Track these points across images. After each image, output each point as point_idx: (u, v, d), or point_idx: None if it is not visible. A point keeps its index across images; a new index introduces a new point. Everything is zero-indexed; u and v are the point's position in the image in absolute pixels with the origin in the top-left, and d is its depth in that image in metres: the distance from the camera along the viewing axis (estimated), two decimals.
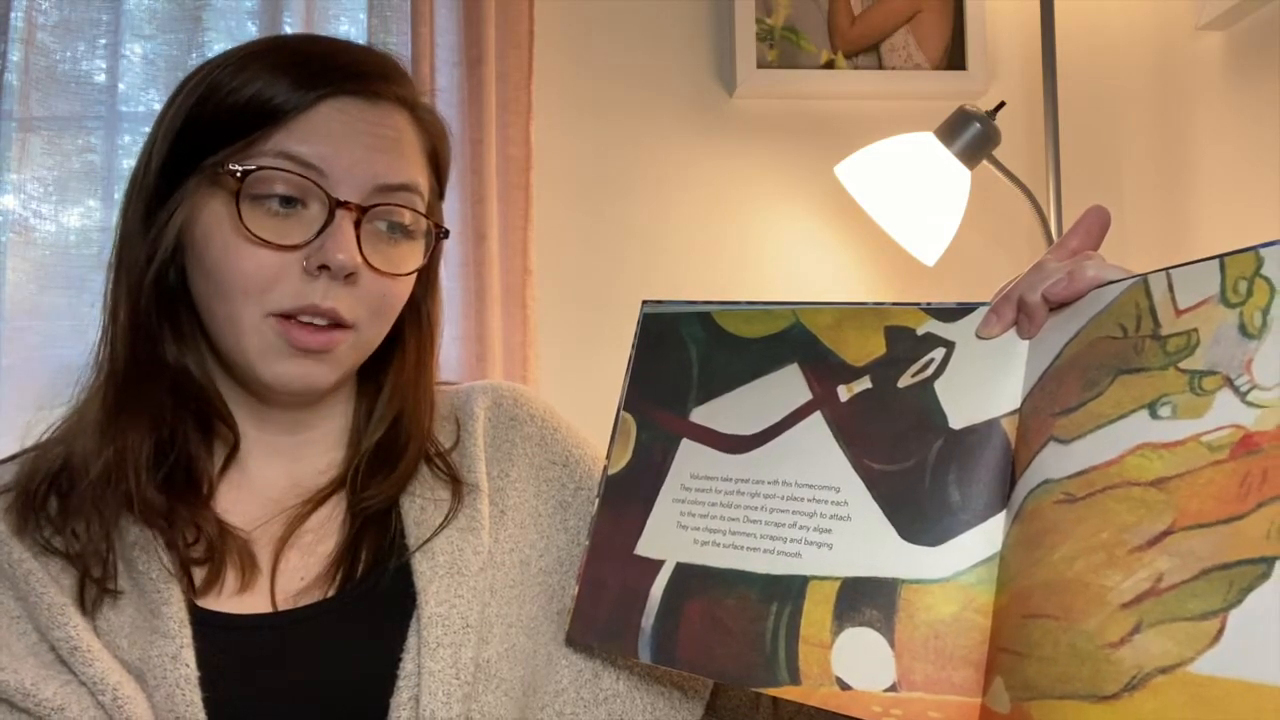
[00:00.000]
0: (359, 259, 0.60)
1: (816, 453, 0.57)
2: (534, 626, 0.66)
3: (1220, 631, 0.39)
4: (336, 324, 0.61)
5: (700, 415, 0.62)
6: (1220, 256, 0.45)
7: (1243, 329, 0.43)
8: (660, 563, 0.59)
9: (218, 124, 0.61)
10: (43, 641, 0.56)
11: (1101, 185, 1.72)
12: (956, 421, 0.54)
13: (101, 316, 0.65)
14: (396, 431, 0.68)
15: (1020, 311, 0.54)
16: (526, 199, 1.57)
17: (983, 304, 0.56)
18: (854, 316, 0.59)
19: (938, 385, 0.55)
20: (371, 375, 0.69)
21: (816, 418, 0.58)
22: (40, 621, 0.57)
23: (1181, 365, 0.44)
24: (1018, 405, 0.52)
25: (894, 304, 0.59)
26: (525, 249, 1.56)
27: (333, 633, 0.62)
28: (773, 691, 0.53)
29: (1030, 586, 0.47)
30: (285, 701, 0.60)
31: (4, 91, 1.49)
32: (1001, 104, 1.52)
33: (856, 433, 0.56)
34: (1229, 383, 0.42)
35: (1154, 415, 0.45)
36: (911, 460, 0.54)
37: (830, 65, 1.67)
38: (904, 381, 0.56)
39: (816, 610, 0.53)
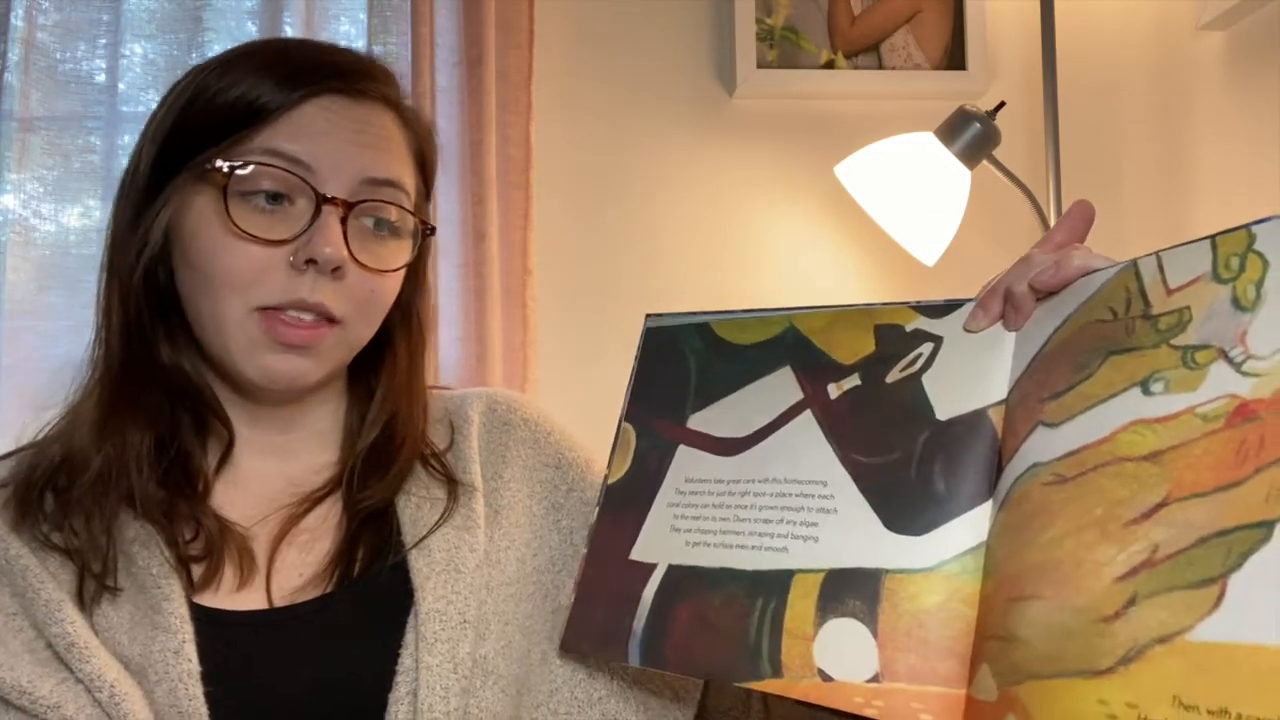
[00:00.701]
0: (345, 253, 0.60)
1: (805, 449, 0.58)
2: (529, 625, 0.66)
3: (1220, 597, 0.39)
4: (323, 319, 0.61)
5: (697, 421, 0.63)
6: (1211, 236, 0.45)
7: (1236, 302, 0.43)
8: (652, 566, 0.60)
9: (205, 124, 0.61)
10: (40, 638, 0.56)
11: (1101, 185, 1.72)
12: (943, 413, 0.54)
13: (96, 316, 0.65)
14: (391, 433, 0.68)
15: (1008, 303, 0.54)
16: (526, 199, 1.57)
17: (969, 299, 0.57)
18: (845, 318, 0.60)
19: (925, 379, 0.56)
20: (363, 377, 0.70)
21: (806, 416, 0.59)
22: (37, 618, 0.57)
23: (1174, 342, 0.45)
24: (1004, 396, 0.53)
25: (884, 304, 0.60)
26: (525, 249, 1.56)
27: (332, 628, 0.62)
28: (755, 685, 0.53)
29: (1018, 571, 0.47)
30: (285, 696, 0.60)
31: (4, 91, 1.49)
32: (1001, 104, 1.52)
33: (845, 428, 0.57)
34: (1223, 355, 0.43)
35: (1146, 392, 0.45)
36: (897, 452, 0.55)
37: (830, 65, 1.67)
38: (892, 377, 0.57)
39: (800, 603, 0.53)
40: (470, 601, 0.63)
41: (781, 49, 1.66)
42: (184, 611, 0.58)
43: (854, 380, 0.59)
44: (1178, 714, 0.38)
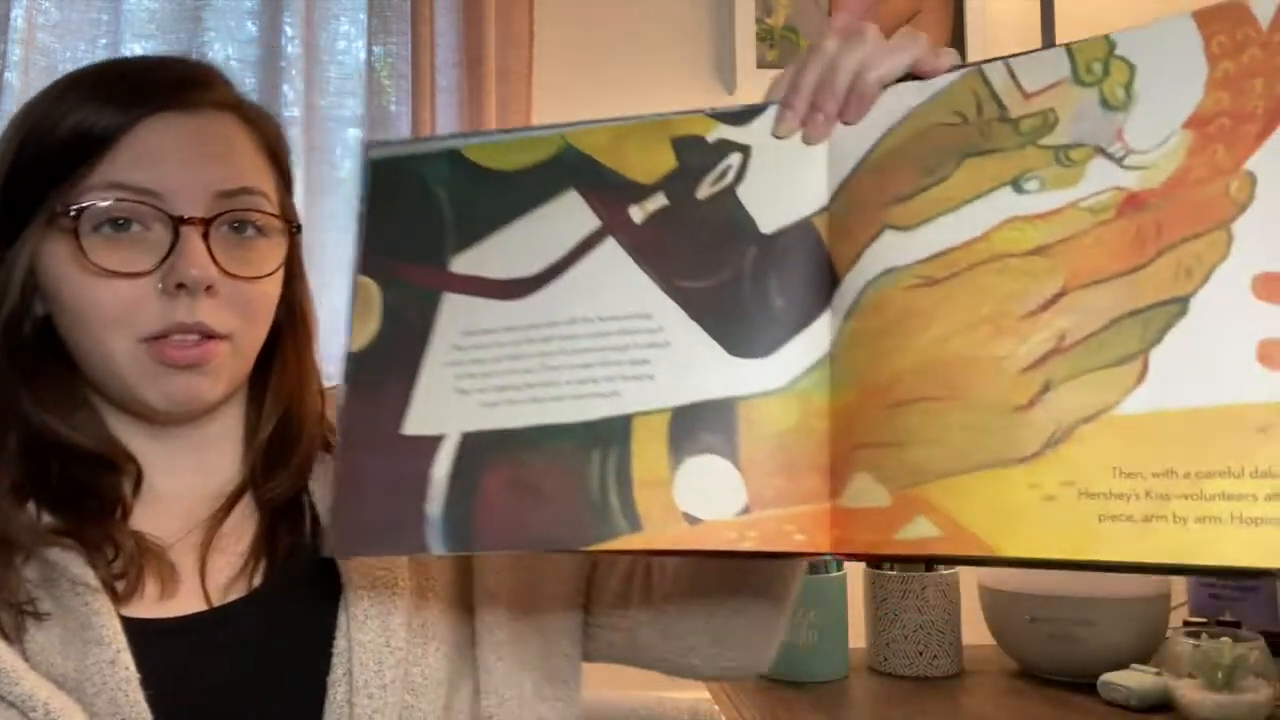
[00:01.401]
0: (214, 270, 0.60)
1: (617, 282, 0.53)
2: (464, 582, 0.67)
3: (1144, 371, 0.41)
4: (209, 336, 0.61)
5: (463, 264, 0.55)
6: (1066, 45, 0.46)
7: (1105, 104, 0.45)
8: (438, 438, 0.53)
9: (45, 161, 0.60)
10: None
11: None
12: (767, 226, 0.52)
13: None
14: (288, 424, 0.69)
15: (850, 95, 0.52)
16: None
17: (771, 103, 0.54)
18: (633, 132, 0.55)
19: (740, 191, 0.53)
20: (258, 377, 0.70)
21: (610, 245, 0.53)
22: None
23: (1042, 142, 0.45)
24: (825, 203, 0.51)
25: (676, 113, 0.55)
26: None
27: (265, 620, 0.63)
28: (612, 545, 0.50)
29: (892, 375, 0.46)
30: (227, 691, 0.60)
31: (4, 91, 1.50)
32: None
33: (660, 253, 0.53)
34: (1101, 152, 0.44)
35: (1019, 190, 0.45)
36: (727, 272, 0.52)
37: None
38: (703, 192, 0.53)
39: (648, 448, 0.50)
40: (400, 571, 0.63)
41: (781, 49, 1.67)
42: (115, 624, 0.58)
43: (659, 200, 0.53)
44: (1120, 482, 0.40)
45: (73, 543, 0.60)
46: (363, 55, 1.67)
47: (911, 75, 0.51)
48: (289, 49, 1.61)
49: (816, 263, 0.50)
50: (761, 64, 1.65)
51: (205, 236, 0.60)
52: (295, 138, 1.54)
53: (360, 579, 0.62)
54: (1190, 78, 0.43)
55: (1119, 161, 0.44)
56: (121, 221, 0.60)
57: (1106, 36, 0.45)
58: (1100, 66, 0.45)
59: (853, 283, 0.49)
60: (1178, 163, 0.42)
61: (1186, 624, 0.90)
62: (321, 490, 0.68)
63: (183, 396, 0.62)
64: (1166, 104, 0.43)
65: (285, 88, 1.59)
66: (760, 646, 0.69)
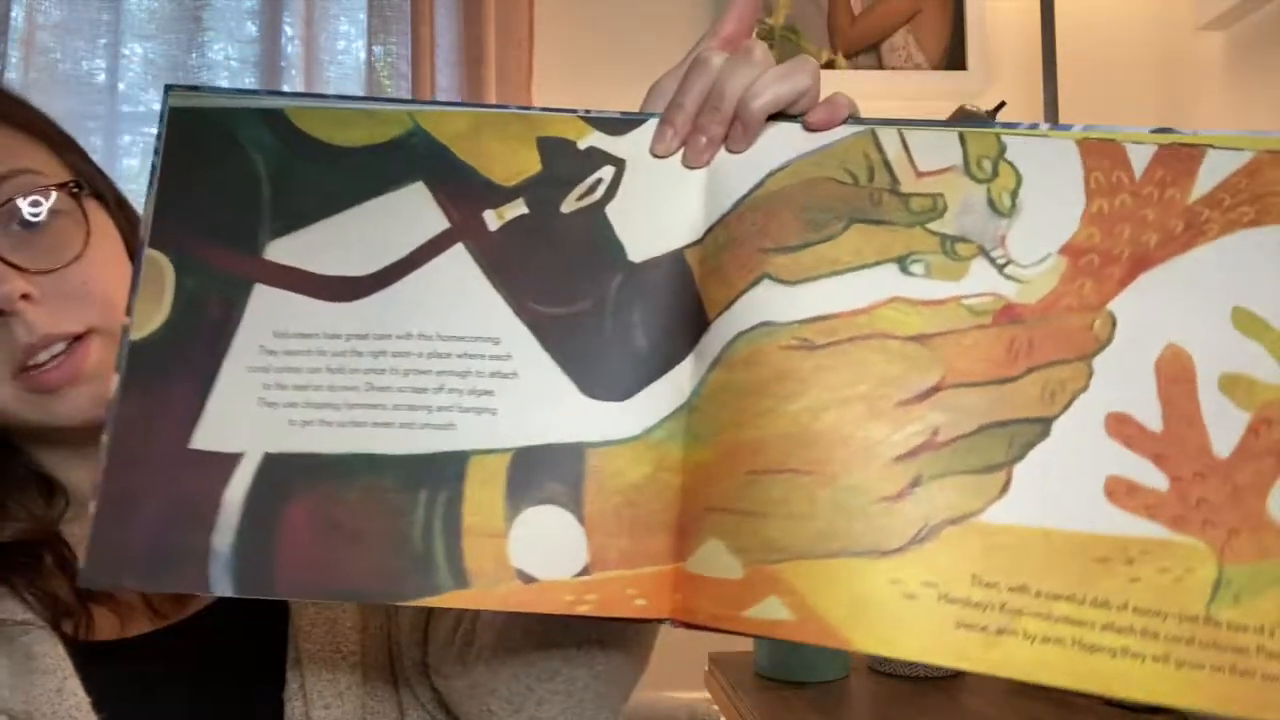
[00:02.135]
0: (19, 283, 0.54)
1: (463, 296, 0.47)
2: None
3: (1007, 484, 0.41)
4: (74, 339, 0.56)
5: (281, 251, 0.47)
6: (959, 130, 0.45)
7: (992, 205, 0.44)
8: (236, 456, 0.45)
9: None
10: None
11: None
12: (636, 254, 0.47)
13: None
14: None
15: (737, 122, 0.47)
16: None
17: (651, 114, 0.49)
18: (495, 124, 0.48)
19: (610, 210, 0.47)
20: None
21: (458, 251, 0.47)
22: None
23: (930, 227, 0.44)
24: (700, 236, 0.47)
25: (545, 110, 0.49)
26: None
27: (218, 635, 0.61)
28: (435, 601, 0.44)
29: (758, 439, 0.44)
30: (184, 710, 0.59)
31: None
32: (1002, 104, 1.52)
33: (514, 269, 0.47)
34: (985, 253, 0.44)
35: (905, 271, 0.44)
36: (588, 300, 0.47)
37: (830, 65, 1.67)
38: (568, 206, 0.48)
39: (483, 492, 0.44)
40: None
41: (781, 49, 1.66)
42: (59, 652, 0.56)
43: (519, 207, 0.48)
44: (980, 591, 0.40)
45: (12, 576, 0.58)
46: (363, 55, 1.67)
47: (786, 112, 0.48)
48: (289, 49, 1.61)
49: (685, 301, 0.46)
50: None
51: None
52: None
53: None
54: (1069, 204, 0.43)
55: (1000, 268, 0.43)
56: None
57: (998, 135, 0.45)
58: (990, 165, 0.44)
59: (723, 329, 0.45)
60: (1051, 285, 0.43)
61: None
62: None
63: (82, 406, 0.57)
64: (1046, 224, 0.43)
65: (285, 88, 1.59)
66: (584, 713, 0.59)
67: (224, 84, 1.63)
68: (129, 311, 0.47)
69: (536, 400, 0.45)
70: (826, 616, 0.41)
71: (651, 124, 0.48)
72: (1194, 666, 0.38)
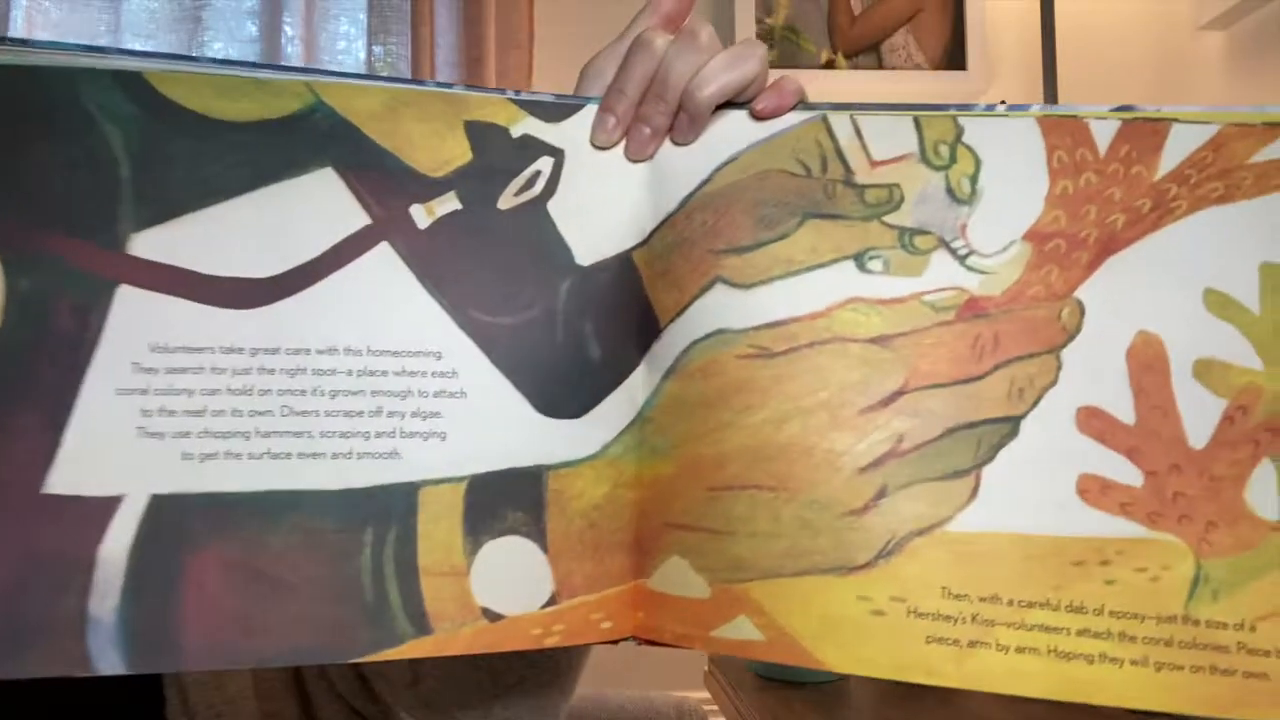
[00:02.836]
0: None
1: (394, 303, 0.41)
2: None
3: (976, 489, 0.39)
4: None
5: (151, 246, 0.39)
6: (914, 113, 0.43)
7: (951, 193, 0.42)
8: (112, 501, 0.37)
9: None
10: None
11: None
12: (584, 256, 0.43)
13: None
14: None
15: (682, 112, 0.43)
16: None
17: (590, 99, 0.44)
18: (414, 103, 0.42)
19: (552, 207, 0.43)
20: None
21: (384, 252, 0.41)
22: None
23: (887, 220, 0.42)
24: (647, 235, 0.44)
25: (469, 88, 0.44)
26: None
27: None
28: (394, 654, 0.39)
29: (719, 454, 0.42)
30: None
31: None
32: (1002, 103, 1.53)
33: (451, 273, 0.42)
34: (945, 245, 0.41)
35: (862, 268, 0.42)
36: (536, 308, 0.42)
37: (830, 65, 1.67)
38: (506, 201, 0.43)
39: (438, 527, 0.40)
40: None
41: (781, 49, 1.66)
42: None
43: (451, 202, 0.42)
44: (950, 604, 0.39)
45: None
46: (363, 55, 1.67)
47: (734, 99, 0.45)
48: (289, 49, 1.61)
49: (636, 307, 0.43)
50: None
51: None
52: None
53: None
54: (1032, 187, 0.41)
55: (962, 260, 0.41)
56: None
57: (954, 117, 0.42)
58: (948, 150, 0.42)
59: (676, 337, 0.43)
60: (1016, 275, 0.41)
61: None
62: None
63: None
64: (1009, 209, 0.41)
65: None
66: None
67: None
68: None
69: (489, 421, 0.41)
70: (796, 636, 0.40)
71: (590, 110, 0.44)
72: (1173, 668, 0.37)
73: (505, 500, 0.41)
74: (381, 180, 0.42)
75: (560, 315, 0.43)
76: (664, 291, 0.43)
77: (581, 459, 0.42)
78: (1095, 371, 0.40)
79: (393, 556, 0.40)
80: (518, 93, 0.44)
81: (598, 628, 0.42)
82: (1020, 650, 0.38)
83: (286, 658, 0.39)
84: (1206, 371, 0.39)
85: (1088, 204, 0.41)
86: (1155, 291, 0.40)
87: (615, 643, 0.44)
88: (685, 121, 0.43)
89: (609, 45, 0.46)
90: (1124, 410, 0.39)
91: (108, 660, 0.36)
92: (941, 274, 0.41)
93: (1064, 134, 0.41)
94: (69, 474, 0.37)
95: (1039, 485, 0.39)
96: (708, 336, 0.43)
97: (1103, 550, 0.38)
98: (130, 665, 0.37)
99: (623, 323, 0.43)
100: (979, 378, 0.40)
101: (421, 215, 0.42)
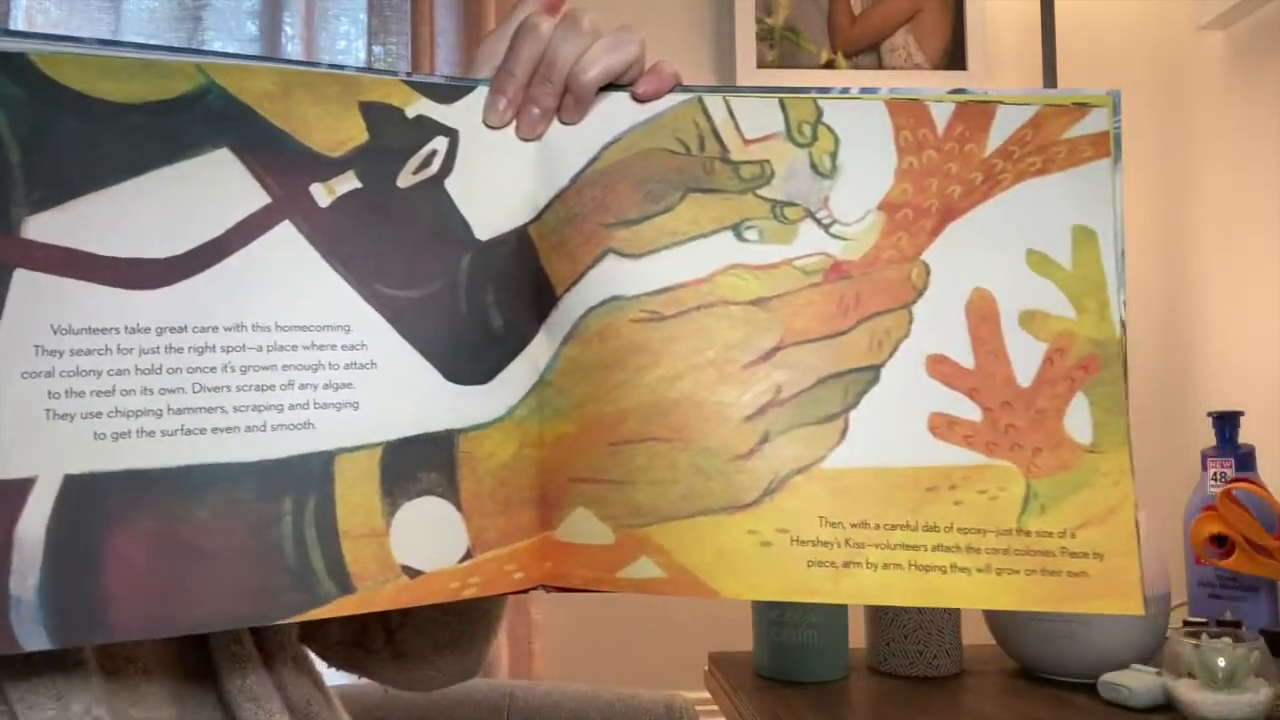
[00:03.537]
0: None
1: (300, 281, 0.42)
2: None
3: (844, 431, 0.45)
4: None
5: (45, 229, 0.39)
6: (779, 96, 0.47)
7: (814, 168, 0.46)
8: (24, 483, 0.38)
9: None
10: None
11: None
12: (483, 231, 0.46)
13: None
14: None
15: (569, 93, 0.46)
16: None
17: (480, 80, 0.46)
18: (308, 84, 0.43)
19: (449, 185, 0.45)
20: None
21: (286, 230, 0.42)
22: None
23: (760, 193, 0.47)
24: (540, 210, 0.46)
25: (362, 70, 0.45)
26: None
27: None
28: (320, 613, 0.41)
29: (618, 411, 0.46)
30: None
31: None
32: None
33: (354, 250, 0.43)
34: (811, 215, 0.46)
35: (740, 238, 0.46)
36: (439, 282, 0.44)
37: (830, 65, 1.67)
38: (405, 180, 0.44)
39: (356, 492, 0.42)
40: None
41: (782, 49, 1.67)
42: None
43: (350, 180, 0.43)
44: (826, 531, 0.44)
45: None
46: (363, 55, 1.67)
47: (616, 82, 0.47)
48: (289, 49, 1.61)
49: (533, 278, 0.46)
50: (761, 64, 1.65)
51: None
52: None
53: None
54: (883, 162, 0.46)
55: (826, 228, 0.46)
56: None
57: (814, 100, 0.47)
58: (810, 129, 0.47)
59: (572, 305, 0.46)
60: (873, 241, 0.46)
61: (1186, 624, 0.89)
62: None
63: None
64: (864, 183, 0.46)
65: None
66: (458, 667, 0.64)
67: None
68: None
69: (401, 390, 0.43)
70: (694, 570, 0.44)
71: (481, 92, 0.46)
72: (1011, 572, 0.44)
73: (419, 464, 0.44)
74: (280, 160, 0.42)
75: (463, 288, 0.45)
76: (559, 263, 0.47)
77: (489, 422, 0.45)
78: (940, 323, 0.45)
79: (314, 522, 0.41)
80: (409, 74, 0.46)
81: (510, 578, 0.45)
82: (886, 566, 0.44)
83: (214, 623, 0.40)
84: (1030, 320, 0.45)
85: (930, 177, 0.46)
86: (987, 253, 0.46)
87: (525, 591, 0.47)
88: (571, 103, 0.46)
89: (496, 29, 0.48)
90: (964, 356, 0.45)
91: (34, 638, 0.37)
92: (809, 241, 0.46)
93: (908, 115, 0.46)
94: None
95: (897, 424, 0.45)
96: (602, 304, 0.46)
97: (950, 476, 0.44)
98: (57, 640, 0.37)
99: (521, 293, 0.46)
100: (844, 332, 0.46)
101: (322, 194, 0.43)
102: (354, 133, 0.44)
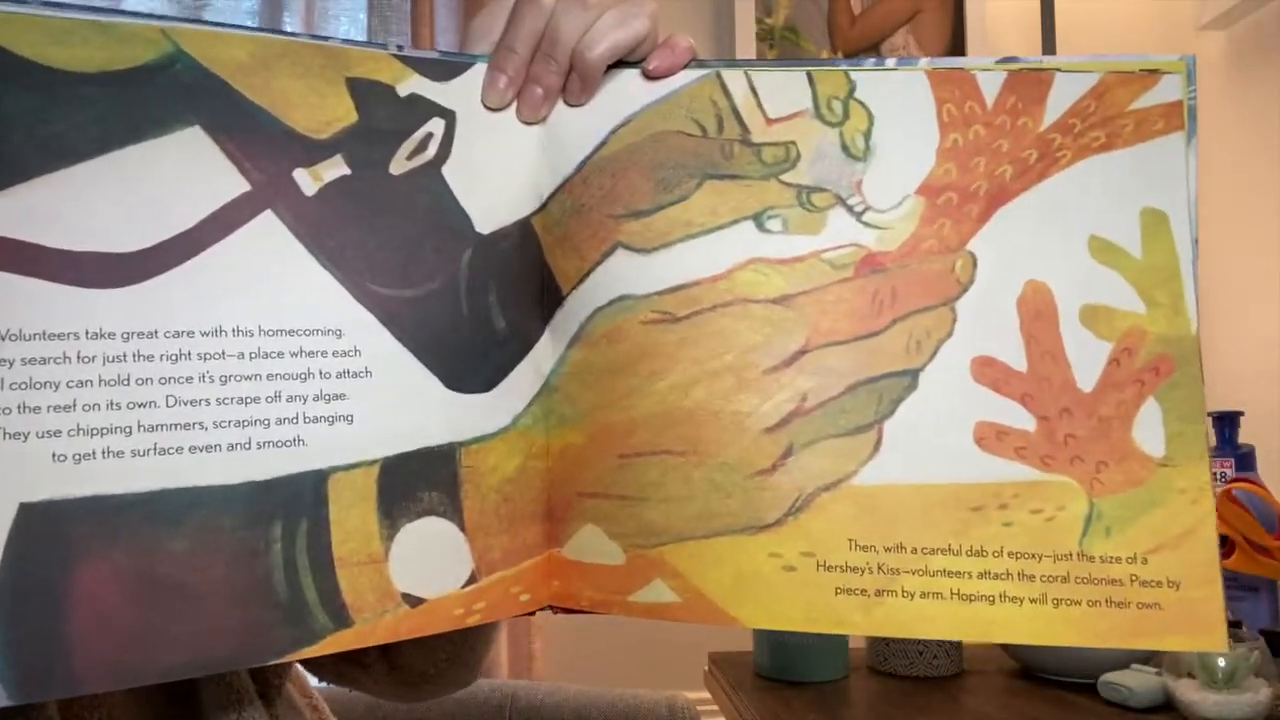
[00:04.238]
0: None
1: (284, 278, 0.37)
2: None
3: (878, 443, 0.40)
4: None
5: None
6: (806, 69, 0.42)
7: (845, 150, 0.42)
8: None
9: None
10: None
11: None
12: (483, 223, 0.41)
13: None
14: None
15: (573, 72, 0.42)
16: None
17: (478, 56, 0.42)
18: (289, 56, 0.38)
19: (447, 172, 0.41)
20: None
21: (268, 221, 0.37)
22: None
23: (784, 178, 0.42)
24: (544, 201, 0.42)
25: (348, 42, 0.40)
26: None
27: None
28: (313, 651, 0.37)
29: (627, 421, 0.42)
30: None
31: None
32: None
33: (344, 243, 0.38)
34: (841, 202, 0.41)
35: (761, 228, 0.42)
36: (437, 279, 0.40)
37: None
38: (398, 166, 0.40)
39: (351, 514, 0.38)
40: None
41: (781, 49, 1.67)
42: None
43: (338, 166, 0.39)
44: (857, 555, 0.40)
45: None
46: None
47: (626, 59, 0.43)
48: None
49: (537, 275, 0.43)
50: None
51: None
52: None
53: None
54: (924, 141, 0.41)
55: (858, 216, 0.41)
56: None
57: (846, 73, 0.42)
58: (841, 106, 0.42)
59: (579, 305, 0.42)
60: (911, 229, 0.41)
61: None
62: None
63: None
64: (902, 164, 0.41)
65: None
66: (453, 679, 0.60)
67: None
68: None
69: (398, 400, 0.39)
70: (711, 596, 0.41)
71: (479, 69, 0.42)
72: (1071, 603, 0.38)
73: (420, 481, 0.40)
74: (258, 141, 0.37)
75: (463, 286, 0.41)
76: (564, 258, 0.43)
77: (493, 433, 0.42)
78: (988, 322, 0.40)
79: (305, 549, 0.37)
80: (401, 48, 0.41)
81: (517, 600, 0.42)
82: (925, 595, 0.39)
83: (194, 668, 0.35)
84: (1092, 316, 0.40)
85: (977, 156, 0.41)
86: (1042, 241, 0.40)
87: (532, 614, 0.43)
88: (577, 82, 0.42)
89: (494, 2, 0.44)
90: (1016, 358, 0.40)
91: None
92: (839, 231, 0.41)
93: (952, 87, 0.41)
94: None
95: (938, 435, 0.40)
96: (611, 303, 0.42)
97: (1000, 494, 0.39)
98: (17, 695, 0.32)
99: (525, 292, 0.42)
100: (878, 333, 0.41)
101: (307, 181, 0.38)
102: (341, 112, 0.39)
